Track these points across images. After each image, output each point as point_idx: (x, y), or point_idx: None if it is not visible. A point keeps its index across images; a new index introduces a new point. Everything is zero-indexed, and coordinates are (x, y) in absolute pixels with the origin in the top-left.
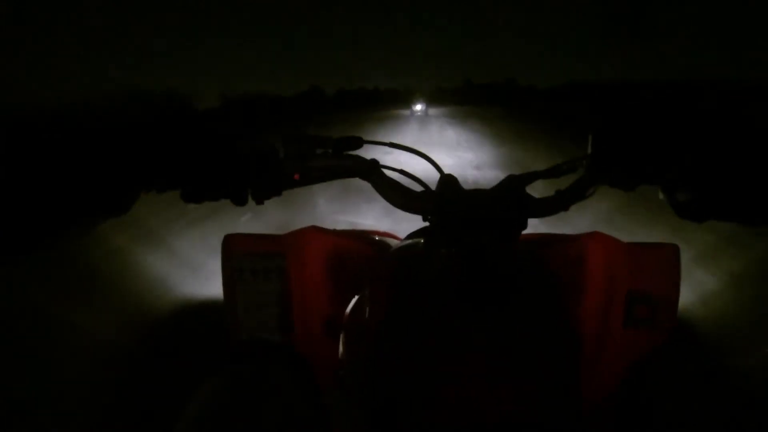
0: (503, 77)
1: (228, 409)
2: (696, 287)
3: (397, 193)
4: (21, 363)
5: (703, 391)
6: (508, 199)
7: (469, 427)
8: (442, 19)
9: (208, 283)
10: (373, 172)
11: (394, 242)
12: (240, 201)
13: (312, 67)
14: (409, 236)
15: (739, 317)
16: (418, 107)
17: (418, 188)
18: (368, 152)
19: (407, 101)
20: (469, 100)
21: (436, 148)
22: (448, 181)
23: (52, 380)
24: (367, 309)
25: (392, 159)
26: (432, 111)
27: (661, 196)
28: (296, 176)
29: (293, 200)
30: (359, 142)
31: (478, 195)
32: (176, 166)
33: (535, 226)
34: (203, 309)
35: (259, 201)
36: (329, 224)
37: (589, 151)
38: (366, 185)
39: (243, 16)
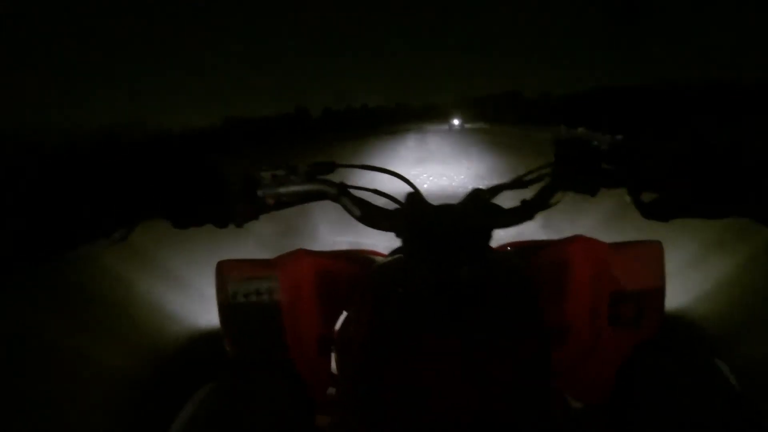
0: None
1: (220, 421)
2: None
3: (366, 213)
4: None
5: (693, 387)
6: (474, 212)
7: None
8: (437, 30)
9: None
10: (342, 194)
11: (379, 259)
12: (222, 224)
13: (298, 86)
14: (391, 253)
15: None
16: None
17: (392, 206)
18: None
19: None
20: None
21: None
22: (414, 198)
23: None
24: (354, 327)
25: (372, 179)
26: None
27: (627, 198)
28: (271, 201)
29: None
30: (332, 167)
31: (444, 210)
32: (165, 196)
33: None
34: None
35: (239, 224)
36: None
37: (553, 159)
38: None
39: (223, 35)
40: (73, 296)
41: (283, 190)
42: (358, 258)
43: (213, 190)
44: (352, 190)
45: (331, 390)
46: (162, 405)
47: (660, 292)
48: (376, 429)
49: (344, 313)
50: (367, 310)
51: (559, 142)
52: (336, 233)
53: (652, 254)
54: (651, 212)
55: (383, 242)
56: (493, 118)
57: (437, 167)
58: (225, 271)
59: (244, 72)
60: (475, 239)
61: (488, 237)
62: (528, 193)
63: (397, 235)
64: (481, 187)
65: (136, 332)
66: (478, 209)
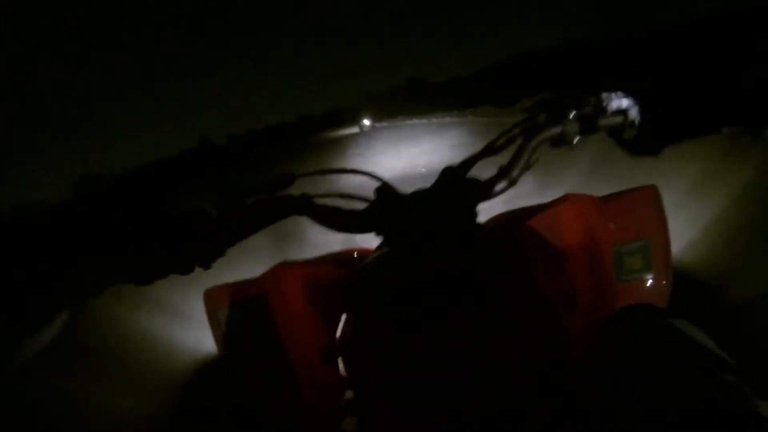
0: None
1: None
2: None
3: (337, 219)
4: None
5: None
6: (450, 192)
7: (453, 423)
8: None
9: None
10: (306, 206)
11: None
12: (186, 271)
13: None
14: (378, 248)
15: None
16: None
17: (362, 206)
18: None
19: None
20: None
21: None
22: (383, 191)
23: None
24: (349, 330)
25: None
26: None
27: (610, 141)
28: (234, 231)
29: None
30: (290, 178)
31: (418, 196)
32: (116, 260)
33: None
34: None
35: (206, 266)
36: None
37: (522, 115)
38: None
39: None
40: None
41: (243, 216)
42: (345, 259)
43: (165, 238)
44: (317, 200)
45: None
46: None
47: (664, 237)
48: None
49: (343, 318)
50: (359, 311)
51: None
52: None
53: (648, 200)
54: (637, 149)
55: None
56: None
57: None
58: (214, 300)
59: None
60: (457, 220)
61: (472, 215)
62: (503, 159)
63: (377, 233)
64: (450, 164)
65: (144, 371)
66: (453, 188)
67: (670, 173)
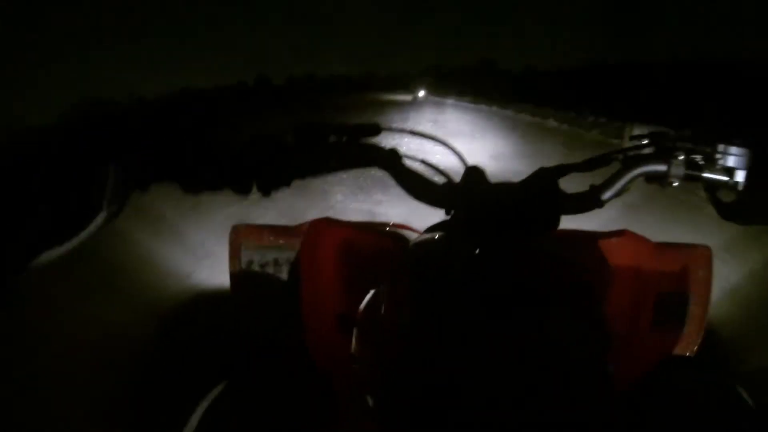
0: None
1: (238, 410)
2: None
3: (419, 185)
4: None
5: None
6: (539, 194)
7: (491, 429)
8: None
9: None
10: (392, 161)
11: (411, 235)
12: (243, 191)
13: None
14: (429, 229)
15: None
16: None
17: (441, 181)
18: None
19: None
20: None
21: None
22: (474, 172)
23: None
24: (385, 306)
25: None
26: None
27: (703, 194)
28: (308, 167)
29: None
30: (376, 129)
31: (506, 189)
32: (176, 154)
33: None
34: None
35: (265, 193)
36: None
37: (626, 143)
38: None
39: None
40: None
41: (322, 154)
42: (389, 232)
43: (231, 151)
44: (404, 159)
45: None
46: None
47: (705, 298)
48: (403, 417)
49: (370, 292)
50: (403, 293)
51: (634, 124)
52: (352, 200)
53: (700, 259)
54: (729, 212)
55: (403, 214)
56: (469, 93)
57: None
58: (240, 237)
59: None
60: (537, 223)
61: (553, 223)
62: (597, 179)
63: (448, 212)
64: (546, 166)
65: (148, 297)
66: (543, 191)
67: (707, 230)
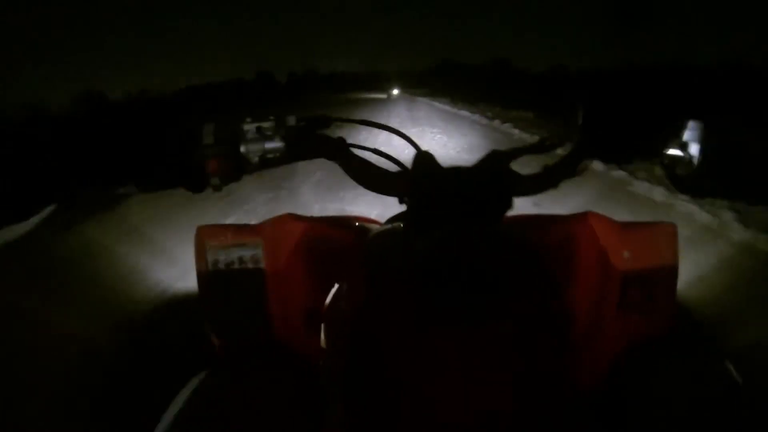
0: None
1: (210, 408)
2: None
3: (369, 174)
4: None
5: (696, 388)
6: (491, 177)
7: (452, 418)
8: None
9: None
10: (340, 151)
11: (375, 227)
12: (196, 188)
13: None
14: (389, 220)
15: None
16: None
17: (393, 169)
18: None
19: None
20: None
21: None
22: (424, 158)
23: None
24: (347, 299)
25: (363, 139)
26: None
27: (658, 170)
28: (256, 159)
29: None
30: (327, 121)
31: (458, 173)
32: (123, 156)
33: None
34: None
35: (217, 187)
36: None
37: (579, 122)
38: None
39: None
40: (52, 268)
41: (270, 145)
42: (352, 225)
43: (184, 146)
44: (353, 149)
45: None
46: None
47: (673, 277)
48: (364, 416)
49: (335, 286)
50: (361, 284)
51: (588, 104)
52: (321, 200)
53: (665, 236)
54: (686, 186)
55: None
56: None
57: None
58: (205, 237)
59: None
60: (491, 207)
61: (506, 206)
62: (550, 160)
63: (401, 201)
64: (497, 149)
65: (115, 302)
66: (495, 174)
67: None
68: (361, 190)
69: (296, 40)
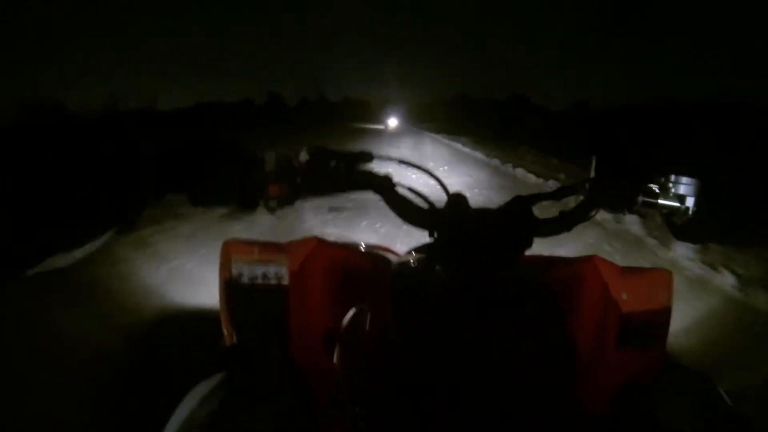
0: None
1: (217, 415)
2: None
3: (408, 209)
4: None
5: (696, 416)
6: (515, 219)
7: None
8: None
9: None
10: (385, 186)
11: (393, 257)
12: (250, 207)
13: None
14: (410, 252)
15: None
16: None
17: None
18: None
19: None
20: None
21: None
22: (457, 199)
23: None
24: (367, 322)
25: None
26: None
27: (659, 218)
28: (310, 188)
29: None
30: (370, 157)
31: (485, 214)
32: (190, 168)
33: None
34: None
35: (271, 210)
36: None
37: (592, 174)
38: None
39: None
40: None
41: (324, 176)
42: (372, 254)
43: (249, 169)
44: (396, 185)
45: (333, 383)
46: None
47: (666, 319)
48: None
49: (353, 309)
50: (384, 309)
51: (599, 156)
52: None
53: (662, 281)
54: (683, 235)
55: (373, 239)
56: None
57: None
58: (231, 251)
59: (216, 55)
60: (512, 246)
61: (526, 245)
62: (564, 206)
63: (431, 234)
64: (521, 194)
65: (136, 317)
66: (518, 216)
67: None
68: None
69: (309, 65)
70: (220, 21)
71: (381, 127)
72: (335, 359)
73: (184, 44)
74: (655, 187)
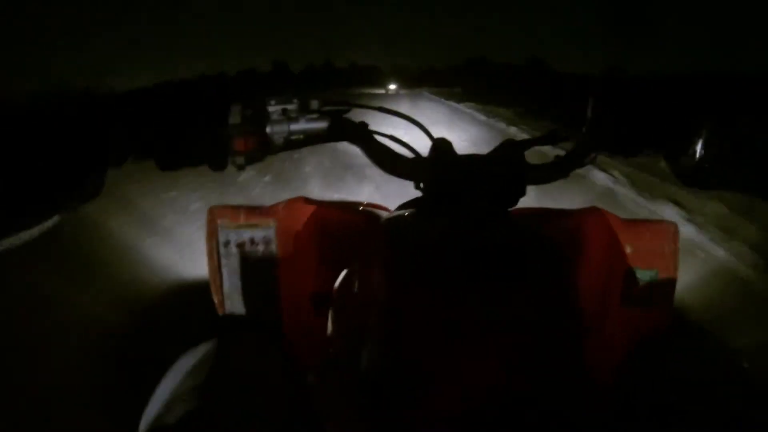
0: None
1: (204, 382)
2: None
3: (388, 158)
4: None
5: (705, 378)
6: (505, 165)
7: (467, 403)
8: None
9: None
10: (362, 135)
11: (384, 214)
12: (219, 166)
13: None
14: (401, 207)
15: None
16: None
17: (410, 155)
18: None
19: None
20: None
21: None
22: (441, 145)
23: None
24: (359, 283)
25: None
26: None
27: (663, 163)
28: (280, 140)
29: None
30: (347, 106)
31: (473, 160)
32: (149, 130)
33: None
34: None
35: (240, 167)
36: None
37: (589, 115)
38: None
39: None
40: (63, 250)
41: (295, 127)
42: (362, 211)
43: (209, 124)
44: (374, 134)
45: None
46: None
47: (673, 274)
48: (379, 393)
49: (345, 271)
50: (377, 269)
51: (596, 97)
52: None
53: (667, 234)
54: (690, 180)
55: (378, 198)
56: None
57: None
58: (217, 217)
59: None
60: (505, 194)
61: (519, 193)
62: (560, 151)
63: (417, 186)
64: (511, 139)
65: (122, 283)
66: (509, 162)
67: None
68: None
69: (315, 30)
70: None
71: (391, 89)
72: (328, 324)
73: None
74: (658, 129)
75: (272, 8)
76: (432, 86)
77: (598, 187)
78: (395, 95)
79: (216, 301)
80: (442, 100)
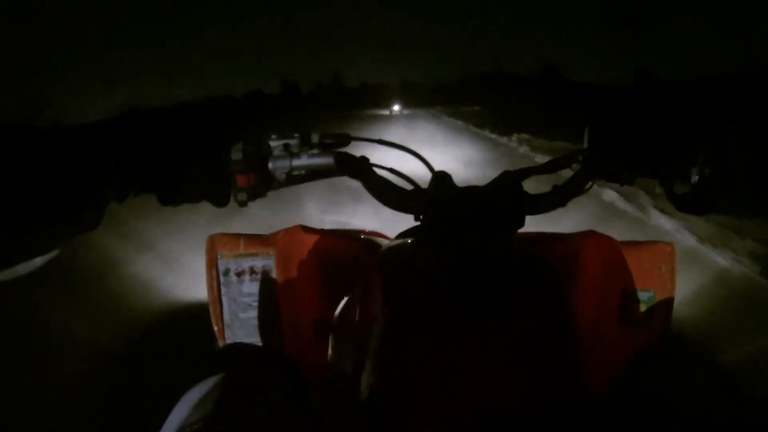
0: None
1: (213, 414)
2: None
3: (389, 192)
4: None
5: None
6: (504, 196)
7: (466, 423)
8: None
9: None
10: (363, 170)
11: (384, 242)
12: (221, 203)
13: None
14: (400, 235)
15: None
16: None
17: (409, 187)
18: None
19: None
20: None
21: None
22: (441, 178)
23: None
24: (359, 310)
25: (378, 158)
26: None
27: (658, 189)
28: (282, 176)
29: None
30: (347, 139)
31: (472, 192)
32: (153, 167)
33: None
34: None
35: (242, 203)
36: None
37: (585, 144)
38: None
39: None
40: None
41: (297, 162)
42: (361, 239)
43: (212, 161)
44: (374, 167)
45: (327, 375)
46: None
47: (670, 294)
48: (377, 420)
49: (345, 298)
50: (375, 296)
51: (592, 127)
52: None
53: (664, 255)
54: (685, 205)
55: (373, 225)
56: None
57: None
58: (217, 246)
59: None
60: (504, 224)
61: (518, 224)
62: (557, 180)
63: (417, 218)
64: (510, 169)
65: (126, 309)
66: (508, 193)
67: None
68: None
69: (323, 49)
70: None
71: (406, 112)
72: (329, 351)
73: (190, 33)
74: (654, 156)
75: (281, 28)
76: (446, 104)
77: (598, 201)
78: (404, 115)
79: (216, 329)
80: (460, 122)
